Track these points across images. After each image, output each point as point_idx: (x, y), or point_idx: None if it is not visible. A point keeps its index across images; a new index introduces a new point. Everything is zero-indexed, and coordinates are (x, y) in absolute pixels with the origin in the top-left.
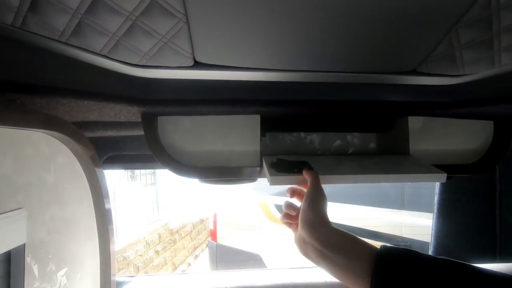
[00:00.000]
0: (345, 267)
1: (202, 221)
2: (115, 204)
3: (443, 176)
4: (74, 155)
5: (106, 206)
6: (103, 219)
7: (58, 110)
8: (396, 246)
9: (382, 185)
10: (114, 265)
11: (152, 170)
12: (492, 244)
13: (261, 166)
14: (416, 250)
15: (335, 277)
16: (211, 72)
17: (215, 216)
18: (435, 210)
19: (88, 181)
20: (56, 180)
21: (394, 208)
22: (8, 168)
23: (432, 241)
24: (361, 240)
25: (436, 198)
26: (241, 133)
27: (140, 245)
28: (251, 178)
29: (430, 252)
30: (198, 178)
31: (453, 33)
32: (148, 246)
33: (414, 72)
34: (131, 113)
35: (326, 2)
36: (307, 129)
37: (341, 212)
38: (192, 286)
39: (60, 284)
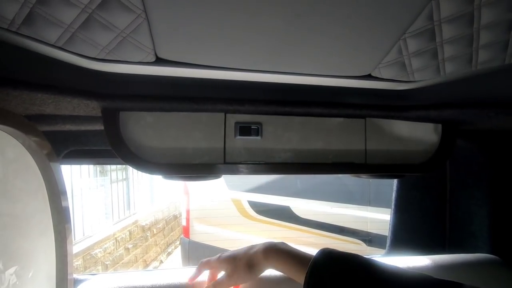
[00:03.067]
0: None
1: (175, 217)
2: (82, 200)
3: None
4: (26, 149)
5: (63, 203)
6: (60, 216)
7: (9, 102)
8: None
9: (350, 183)
10: (72, 263)
11: (124, 166)
12: (442, 237)
13: (224, 163)
14: (377, 243)
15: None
16: (174, 69)
17: (188, 213)
18: (392, 206)
19: (42, 177)
20: (4, 175)
21: (361, 205)
22: None
23: (389, 235)
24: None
25: (393, 195)
26: (205, 130)
27: (109, 242)
28: (215, 175)
29: (387, 245)
30: (161, 175)
31: (402, 41)
32: (117, 243)
33: (369, 76)
34: (90, 107)
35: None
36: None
37: (310, 208)
38: (154, 282)
39: (9, 283)
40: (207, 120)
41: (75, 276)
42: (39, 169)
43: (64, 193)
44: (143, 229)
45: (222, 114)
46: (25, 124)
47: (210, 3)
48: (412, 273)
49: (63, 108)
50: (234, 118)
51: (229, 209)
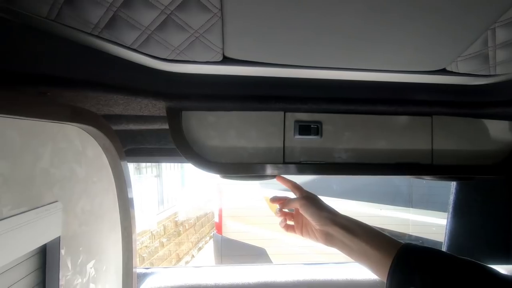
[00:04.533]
0: (369, 255)
1: (205, 214)
2: None
3: None
4: (101, 148)
5: (129, 200)
6: (126, 212)
7: (85, 103)
8: (418, 244)
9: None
10: (136, 257)
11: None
12: (506, 246)
13: (283, 163)
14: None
15: (356, 261)
16: (239, 68)
17: (220, 210)
18: (450, 210)
19: (113, 174)
20: (86, 173)
21: (403, 206)
22: (46, 161)
23: (446, 240)
24: (380, 232)
25: (451, 198)
26: (265, 129)
27: (145, 236)
28: (273, 175)
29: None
30: (220, 174)
31: (490, 31)
32: (153, 237)
33: (443, 71)
34: (156, 107)
35: None
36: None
37: (349, 209)
38: (206, 278)
39: (89, 275)
40: (267, 119)
41: (138, 270)
42: (111, 167)
43: (130, 190)
44: (176, 224)
45: (282, 113)
46: (103, 124)
47: (281, 2)
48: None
49: (131, 108)
50: (293, 117)
51: (262, 207)
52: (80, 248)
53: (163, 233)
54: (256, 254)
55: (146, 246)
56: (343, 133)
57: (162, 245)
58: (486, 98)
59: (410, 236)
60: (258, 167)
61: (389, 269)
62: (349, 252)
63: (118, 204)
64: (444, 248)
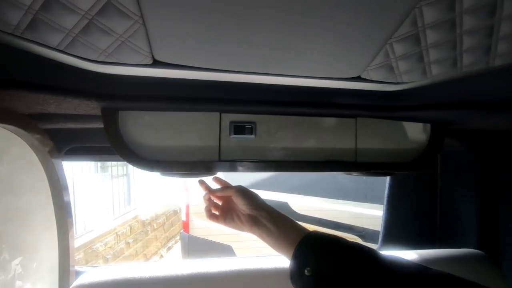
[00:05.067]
0: (280, 239)
1: (176, 212)
2: (83, 195)
3: None
4: (30, 147)
5: (65, 198)
6: (62, 210)
7: (13, 103)
8: (323, 233)
9: (346, 180)
10: (73, 255)
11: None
12: (432, 233)
13: (219, 160)
14: (372, 238)
15: (273, 247)
16: (171, 71)
17: (187, 208)
18: (385, 203)
19: (45, 173)
20: (10, 172)
21: (357, 201)
22: None
23: (382, 230)
24: (293, 220)
25: (386, 192)
26: (201, 129)
27: (110, 237)
28: (210, 172)
29: (379, 240)
30: (158, 172)
31: (388, 46)
32: (118, 238)
33: (359, 78)
34: (90, 107)
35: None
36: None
37: (308, 204)
38: (152, 274)
39: (15, 272)
40: (203, 119)
41: (76, 268)
42: (42, 165)
43: (66, 188)
44: (143, 224)
45: (217, 114)
46: (28, 123)
47: (204, 9)
48: (409, 262)
49: (64, 107)
50: (229, 118)
51: None
52: (3, 245)
53: (129, 233)
54: (222, 251)
55: (110, 247)
56: (276, 133)
57: (128, 245)
58: (398, 103)
59: (364, 228)
60: (195, 164)
61: (293, 252)
62: (269, 236)
63: (53, 202)
64: (380, 238)
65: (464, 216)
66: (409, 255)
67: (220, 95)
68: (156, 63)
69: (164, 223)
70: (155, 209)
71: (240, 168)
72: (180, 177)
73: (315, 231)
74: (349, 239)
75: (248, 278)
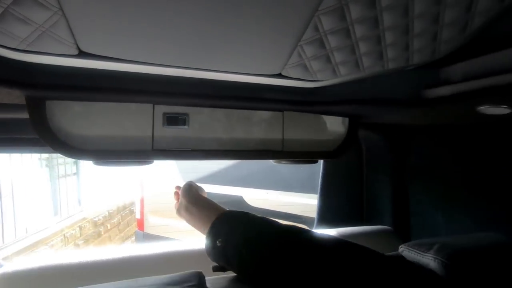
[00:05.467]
0: (201, 220)
1: (132, 212)
2: (25, 194)
3: None
4: None
5: None
6: None
7: None
8: (237, 210)
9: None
10: None
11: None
12: (360, 214)
13: (152, 150)
14: (307, 225)
15: (195, 228)
16: (98, 62)
17: (142, 205)
18: (319, 190)
19: None
20: None
21: (307, 192)
22: None
23: (316, 216)
24: (216, 204)
25: (319, 181)
26: (134, 119)
27: (56, 239)
28: (143, 160)
29: (314, 224)
30: (90, 160)
31: (300, 47)
32: (66, 240)
33: (281, 75)
34: (13, 95)
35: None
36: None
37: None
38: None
39: None
40: (135, 110)
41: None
42: None
43: None
44: (95, 224)
45: (150, 105)
46: None
47: (124, 2)
48: (308, 230)
49: None
50: (162, 109)
51: None
52: None
53: (79, 235)
54: None
55: (56, 250)
56: (208, 124)
57: (78, 247)
58: (318, 98)
59: (312, 218)
60: (128, 153)
61: (208, 228)
62: (193, 220)
63: None
64: (315, 222)
65: (382, 199)
66: (327, 231)
67: (153, 88)
68: (83, 54)
69: (119, 223)
70: (108, 208)
71: (173, 156)
72: (114, 166)
73: (230, 210)
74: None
75: (175, 259)
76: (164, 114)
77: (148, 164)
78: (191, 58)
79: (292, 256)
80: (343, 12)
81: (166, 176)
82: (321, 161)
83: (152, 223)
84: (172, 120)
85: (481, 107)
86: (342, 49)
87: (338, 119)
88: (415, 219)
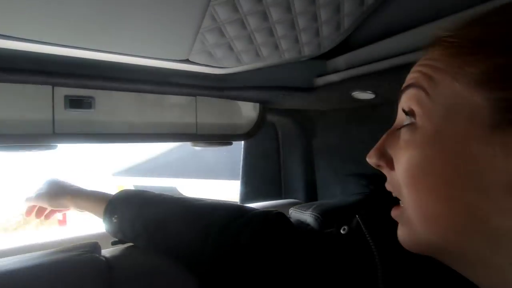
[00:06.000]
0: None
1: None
2: None
3: None
4: None
5: None
6: None
7: None
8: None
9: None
10: None
11: None
12: (278, 192)
13: (53, 133)
14: None
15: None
16: None
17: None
18: (241, 173)
19: None
20: None
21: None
22: None
23: (239, 197)
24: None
25: (241, 164)
26: (32, 102)
27: None
28: (43, 145)
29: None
30: None
31: (201, 34)
32: None
33: (188, 61)
34: None
35: None
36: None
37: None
38: None
39: None
40: (33, 92)
41: None
42: None
43: None
44: None
45: (50, 87)
46: None
47: None
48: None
49: None
50: (63, 92)
51: None
52: None
53: None
54: None
55: None
56: (118, 107)
57: None
58: (226, 84)
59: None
60: (26, 137)
61: (103, 210)
62: (86, 210)
63: None
64: (238, 202)
65: (296, 177)
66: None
67: (51, 69)
68: None
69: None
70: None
71: (78, 140)
72: (10, 151)
73: (122, 190)
74: None
75: None
76: (66, 96)
77: (52, 149)
78: (90, 39)
79: (176, 222)
80: (235, 4)
81: (94, 170)
82: (242, 147)
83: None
84: (75, 103)
85: (354, 93)
86: (241, 38)
87: (250, 105)
88: (321, 191)
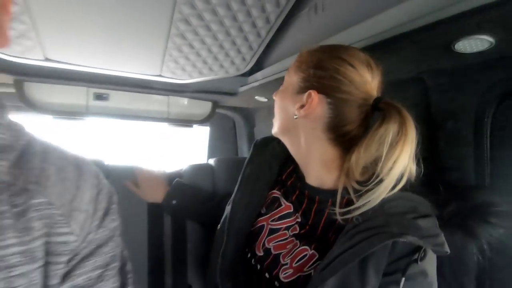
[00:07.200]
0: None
1: None
2: None
3: None
4: None
5: None
6: None
7: None
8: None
9: None
10: None
11: None
12: None
13: (87, 112)
14: None
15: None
16: None
17: None
18: (206, 154)
19: None
20: None
21: None
22: None
23: None
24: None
25: (206, 147)
26: (77, 95)
27: None
28: (82, 118)
29: None
30: None
31: (165, 62)
32: None
33: (160, 76)
34: None
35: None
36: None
37: None
38: None
39: None
40: (77, 90)
41: None
42: None
43: None
44: None
45: (85, 88)
46: None
47: None
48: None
49: None
50: (92, 90)
51: None
52: None
53: None
54: None
55: None
56: (121, 100)
57: None
58: (186, 89)
59: None
60: (73, 114)
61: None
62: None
63: None
64: None
65: (246, 154)
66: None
67: (87, 79)
68: None
69: None
70: None
71: (99, 116)
72: (63, 119)
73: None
74: None
75: None
76: (94, 93)
77: (85, 119)
78: (105, 62)
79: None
80: (190, 44)
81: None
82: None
83: None
84: (99, 97)
85: (256, 97)
86: (191, 65)
87: (205, 102)
88: None
